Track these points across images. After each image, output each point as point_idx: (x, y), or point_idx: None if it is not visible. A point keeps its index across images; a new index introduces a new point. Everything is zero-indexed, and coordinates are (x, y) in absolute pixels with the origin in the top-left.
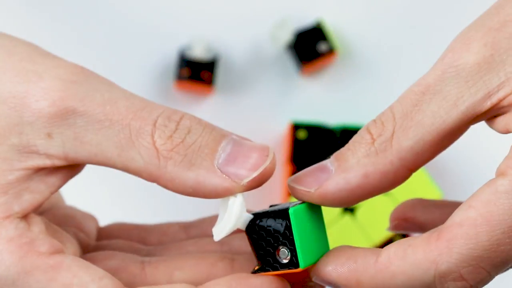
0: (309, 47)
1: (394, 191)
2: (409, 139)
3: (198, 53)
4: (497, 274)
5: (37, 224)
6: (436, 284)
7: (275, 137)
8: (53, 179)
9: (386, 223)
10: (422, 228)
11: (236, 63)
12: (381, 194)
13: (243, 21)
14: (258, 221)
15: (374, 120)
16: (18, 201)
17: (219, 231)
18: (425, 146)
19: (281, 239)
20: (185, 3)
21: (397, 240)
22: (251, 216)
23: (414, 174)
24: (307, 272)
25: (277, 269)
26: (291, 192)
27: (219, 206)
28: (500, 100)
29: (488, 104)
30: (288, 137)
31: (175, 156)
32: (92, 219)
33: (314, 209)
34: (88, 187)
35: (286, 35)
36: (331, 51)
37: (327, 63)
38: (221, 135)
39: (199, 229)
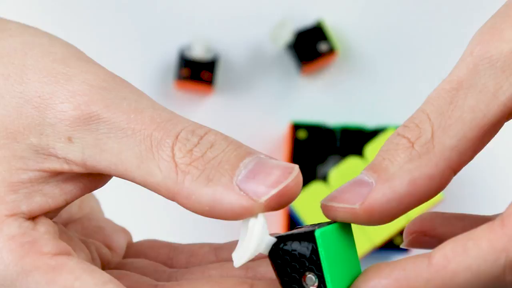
0: (309, 47)
1: None
2: (451, 137)
3: (198, 53)
4: None
5: (45, 226)
6: (505, 275)
7: (275, 137)
8: (71, 187)
9: (387, 225)
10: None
11: (236, 63)
12: None
13: (243, 21)
14: (282, 244)
15: (405, 125)
16: (28, 201)
17: (240, 257)
18: (468, 144)
19: (307, 264)
20: (185, 3)
21: (398, 240)
22: (274, 240)
23: None
24: None
25: None
26: (327, 213)
27: (240, 229)
28: None
29: None
30: (288, 137)
31: (193, 171)
32: (125, 233)
33: (345, 229)
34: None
35: (286, 35)
36: (331, 51)
37: (327, 63)
38: (247, 152)
39: (230, 252)
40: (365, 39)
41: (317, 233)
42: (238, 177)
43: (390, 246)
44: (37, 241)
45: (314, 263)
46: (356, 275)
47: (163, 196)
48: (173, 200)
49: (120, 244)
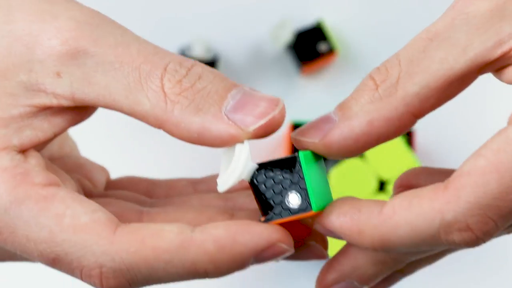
0: (309, 47)
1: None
2: (415, 84)
3: (198, 53)
4: (503, 226)
5: (35, 159)
6: (440, 235)
7: (275, 137)
8: (59, 120)
9: None
10: None
11: (236, 63)
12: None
13: (243, 21)
14: (264, 169)
15: (378, 67)
16: (18, 135)
17: (225, 181)
18: (430, 92)
19: (290, 183)
20: (185, 3)
21: None
22: (256, 166)
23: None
24: (309, 229)
25: (287, 216)
26: (296, 145)
27: (222, 157)
28: (511, 49)
29: (498, 52)
30: (288, 137)
31: (182, 100)
32: (103, 170)
33: (318, 159)
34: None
35: (286, 35)
36: (331, 51)
37: (327, 63)
38: (232, 84)
39: (207, 185)
40: (365, 39)
41: (300, 153)
42: (226, 107)
43: None
44: (28, 172)
45: (298, 181)
46: (329, 201)
47: (150, 124)
48: (160, 128)
49: (100, 179)
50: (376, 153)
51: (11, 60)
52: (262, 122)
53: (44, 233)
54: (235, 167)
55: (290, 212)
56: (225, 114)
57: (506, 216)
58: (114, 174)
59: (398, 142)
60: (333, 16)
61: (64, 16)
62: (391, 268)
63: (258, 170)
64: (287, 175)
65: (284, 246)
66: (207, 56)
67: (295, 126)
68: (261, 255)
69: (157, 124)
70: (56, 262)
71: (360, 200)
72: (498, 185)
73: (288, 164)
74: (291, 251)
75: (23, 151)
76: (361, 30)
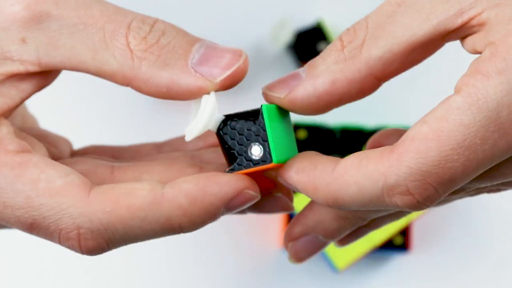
0: (309, 47)
1: None
2: (378, 48)
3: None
4: (444, 193)
5: (6, 126)
6: (384, 197)
7: None
8: (26, 85)
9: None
10: None
11: None
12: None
13: (243, 21)
14: (230, 121)
15: (348, 28)
16: None
17: (191, 129)
18: (393, 57)
19: (254, 135)
20: (185, 3)
21: (397, 240)
22: (223, 117)
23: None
24: (274, 182)
25: (249, 167)
26: (265, 99)
27: (191, 109)
28: (471, 19)
29: (459, 21)
30: None
31: (149, 57)
32: (66, 141)
33: (284, 114)
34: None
35: (286, 35)
36: None
37: None
38: (195, 38)
39: (172, 147)
40: None
41: (264, 106)
42: (192, 60)
43: (390, 245)
44: (1, 140)
45: (260, 134)
46: (293, 155)
47: (118, 83)
48: (128, 85)
49: (65, 149)
50: None
51: None
52: (228, 72)
53: (21, 199)
54: (201, 116)
55: (252, 163)
56: (191, 67)
57: (446, 183)
58: (76, 146)
59: None
60: (333, 16)
61: None
62: (354, 224)
63: (224, 121)
64: (251, 127)
65: (251, 192)
66: None
67: (295, 126)
68: (230, 204)
69: (125, 82)
70: (33, 227)
71: (319, 156)
72: (438, 152)
73: (253, 117)
74: (258, 196)
75: None
76: None
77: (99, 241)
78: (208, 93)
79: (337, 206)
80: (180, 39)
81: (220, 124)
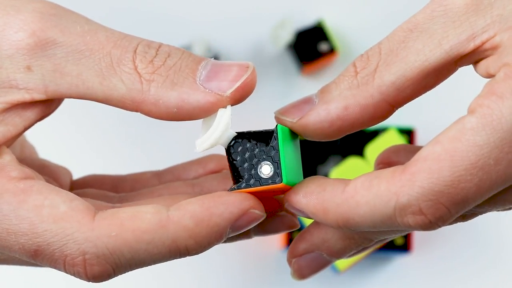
0: (310, 47)
1: None
2: (391, 74)
3: (198, 53)
4: (457, 213)
5: (8, 154)
6: (396, 217)
7: None
8: (29, 114)
9: None
10: None
11: None
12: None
13: (243, 21)
14: (241, 138)
15: (362, 55)
16: None
17: (203, 141)
18: (406, 83)
19: (265, 155)
20: (185, 3)
21: (398, 240)
22: (234, 134)
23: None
24: (281, 204)
25: (257, 185)
26: (277, 122)
27: (202, 125)
28: (483, 43)
29: (471, 45)
30: None
31: (157, 78)
32: (66, 171)
33: (295, 138)
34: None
35: (287, 35)
36: (331, 51)
37: (327, 63)
38: (200, 57)
39: (172, 175)
40: (365, 39)
41: (279, 126)
42: (200, 77)
43: (390, 246)
44: (4, 167)
45: (272, 153)
46: (298, 181)
47: (126, 108)
48: (138, 110)
49: (65, 180)
50: (377, 152)
51: None
52: (237, 84)
53: (25, 225)
54: (215, 129)
55: (260, 182)
56: (200, 84)
57: (459, 203)
58: (76, 175)
59: (398, 142)
60: (333, 16)
61: (27, 8)
62: (360, 245)
63: (236, 137)
64: (263, 147)
65: (256, 212)
66: (207, 56)
67: None
68: (236, 224)
69: (134, 106)
70: (38, 254)
71: (326, 179)
72: (451, 173)
73: (265, 137)
74: (263, 216)
75: None
76: (361, 30)
77: (105, 266)
78: (224, 107)
79: (348, 227)
80: (186, 59)
81: (232, 141)
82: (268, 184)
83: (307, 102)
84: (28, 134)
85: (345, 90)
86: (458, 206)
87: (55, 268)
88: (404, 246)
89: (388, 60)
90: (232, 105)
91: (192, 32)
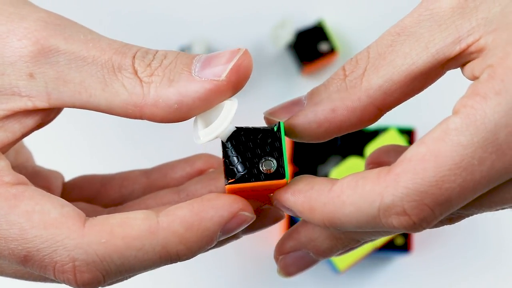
0: (310, 47)
1: None
2: (379, 77)
3: (198, 53)
4: (441, 214)
5: (3, 160)
6: (380, 218)
7: None
8: (29, 121)
9: None
10: None
11: None
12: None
13: (243, 21)
14: (242, 132)
15: (351, 59)
16: None
17: (209, 133)
18: (394, 86)
19: (267, 150)
20: (185, 3)
21: (398, 240)
22: (234, 128)
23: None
24: (269, 200)
25: (259, 180)
26: (266, 123)
27: (199, 118)
28: (469, 46)
29: (457, 48)
30: (289, 140)
31: (155, 79)
32: (58, 175)
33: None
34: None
35: (287, 35)
36: (331, 51)
37: (327, 63)
38: (195, 54)
39: (159, 173)
40: (365, 39)
41: (281, 123)
42: (195, 70)
43: (390, 246)
44: None
45: (275, 149)
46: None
47: (129, 115)
48: (140, 115)
49: (57, 184)
50: None
51: None
52: (230, 65)
53: (15, 230)
54: (223, 120)
55: (262, 178)
56: (196, 76)
57: (442, 204)
58: (68, 176)
59: (399, 142)
60: (333, 16)
61: (32, 17)
62: (346, 245)
63: (236, 132)
64: (263, 143)
65: (246, 214)
66: None
67: None
68: (227, 227)
69: (137, 111)
70: (27, 260)
71: (315, 178)
72: (435, 173)
73: (265, 134)
74: (253, 217)
75: None
76: (361, 30)
77: (95, 273)
78: (221, 95)
79: (333, 226)
80: (181, 57)
81: (233, 133)
82: (271, 180)
83: (296, 103)
84: (27, 137)
85: (333, 93)
86: (442, 207)
87: (45, 275)
88: (404, 246)
89: (376, 63)
90: (231, 92)
91: (192, 32)
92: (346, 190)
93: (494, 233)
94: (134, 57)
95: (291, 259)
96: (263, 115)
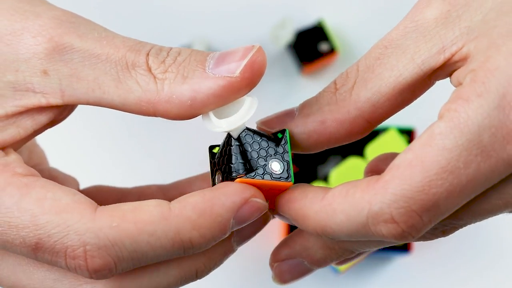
0: (310, 47)
1: None
2: (367, 90)
3: None
4: (430, 221)
5: (15, 155)
6: (369, 226)
7: None
8: (42, 118)
9: None
10: None
11: None
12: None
13: (244, 21)
14: (252, 132)
15: (342, 73)
16: (2, 133)
17: (234, 121)
18: (382, 98)
19: (276, 152)
20: (185, 3)
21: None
22: (244, 127)
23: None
24: (272, 202)
25: (270, 179)
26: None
27: (203, 119)
28: (452, 55)
29: (441, 58)
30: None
31: (169, 76)
32: (74, 181)
33: None
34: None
35: (287, 35)
36: (331, 51)
37: (327, 63)
38: (209, 52)
39: (177, 191)
40: (365, 39)
41: (287, 130)
42: (209, 66)
43: (390, 246)
44: (9, 164)
45: (282, 153)
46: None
47: (143, 112)
48: (154, 112)
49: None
50: (377, 152)
51: None
52: (244, 61)
53: (27, 217)
54: (246, 113)
55: (272, 177)
56: (210, 72)
57: (430, 210)
58: (84, 183)
59: (399, 142)
60: (333, 16)
61: (46, 15)
62: (340, 256)
63: (247, 130)
64: (272, 145)
65: (258, 200)
66: None
67: None
68: (240, 214)
69: (151, 107)
70: (39, 247)
71: (310, 186)
72: (421, 178)
73: (273, 137)
74: (266, 205)
75: (2, 148)
76: (361, 30)
77: (107, 259)
78: (235, 92)
79: (326, 235)
80: (195, 54)
81: (244, 131)
82: (279, 180)
83: (288, 114)
84: (39, 139)
85: (323, 105)
86: (430, 213)
87: (56, 264)
88: (404, 246)
89: (365, 76)
90: (246, 88)
91: (192, 32)
92: (337, 198)
93: (494, 233)
94: (148, 54)
95: (286, 267)
96: (256, 122)
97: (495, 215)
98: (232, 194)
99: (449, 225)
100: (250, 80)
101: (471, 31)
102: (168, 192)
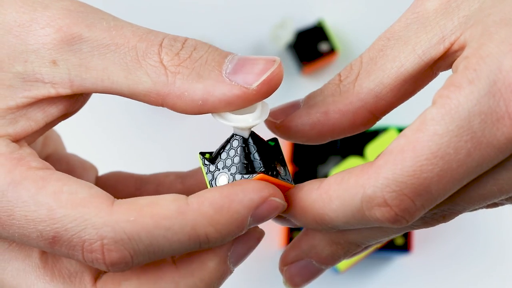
0: (310, 47)
1: None
2: (370, 81)
3: None
4: (423, 206)
5: (29, 148)
6: (364, 210)
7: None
8: (53, 110)
9: None
10: None
11: None
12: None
13: (244, 21)
14: (256, 136)
15: (347, 66)
16: (14, 125)
17: (257, 116)
18: (384, 89)
19: (275, 155)
20: (185, 3)
21: (398, 240)
22: (251, 131)
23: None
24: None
25: (280, 178)
26: (265, 123)
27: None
28: (452, 44)
29: (441, 48)
30: (289, 142)
31: (183, 71)
32: (92, 168)
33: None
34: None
35: (287, 35)
36: (331, 51)
37: (327, 63)
38: (226, 52)
39: (194, 179)
40: (365, 39)
41: (277, 139)
42: (226, 70)
43: (390, 246)
44: (24, 157)
45: (281, 157)
46: None
47: (151, 102)
48: (163, 104)
49: (90, 175)
50: (377, 152)
51: (5, 52)
52: (263, 77)
53: (43, 211)
54: (265, 111)
55: (281, 176)
56: (226, 77)
57: (422, 194)
58: (102, 169)
59: None
60: (333, 16)
61: (55, 5)
62: (347, 250)
63: (252, 133)
64: (270, 149)
65: (277, 200)
66: None
67: None
68: (257, 212)
69: (160, 100)
70: (56, 241)
71: (305, 182)
72: (413, 163)
73: (268, 144)
74: (284, 205)
75: (16, 141)
76: (361, 30)
77: (123, 252)
78: (248, 101)
79: (324, 224)
80: (213, 53)
81: (251, 133)
82: (284, 180)
83: (293, 106)
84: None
85: (327, 97)
86: (422, 197)
87: (73, 257)
88: (404, 246)
89: (368, 68)
90: (258, 101)
91: (192, 32)
92: (333, 185)
93: (494, 233)
94: (161, 45)
95: (296, 269)
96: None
97: (491, 201)
98: (251, 191)
99: (448, 211)
100: (264, 94)
101: (468, 19)
102: (186, 180)
